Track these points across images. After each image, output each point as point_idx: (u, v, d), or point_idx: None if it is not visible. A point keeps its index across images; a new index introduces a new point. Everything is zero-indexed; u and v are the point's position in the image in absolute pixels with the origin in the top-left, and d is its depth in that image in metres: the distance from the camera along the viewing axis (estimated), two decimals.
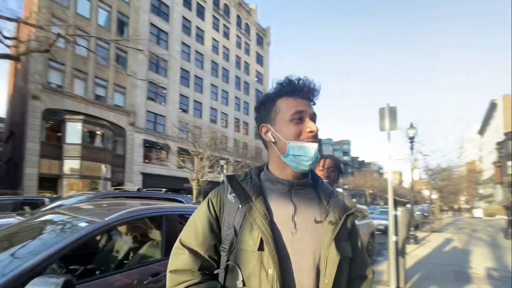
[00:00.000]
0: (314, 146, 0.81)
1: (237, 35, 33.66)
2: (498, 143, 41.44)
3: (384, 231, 11.84)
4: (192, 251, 0.81)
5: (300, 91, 0.84)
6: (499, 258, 7.96)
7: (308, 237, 0.80)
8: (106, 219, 2.25)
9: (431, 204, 18.58)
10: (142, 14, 22.42)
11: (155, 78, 22.24)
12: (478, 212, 34.72)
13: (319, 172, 1.97)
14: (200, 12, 28.78)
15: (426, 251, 8.79)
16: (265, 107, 0.89)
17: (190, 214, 3.17)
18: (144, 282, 2.24)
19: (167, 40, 24.89)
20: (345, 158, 66.32)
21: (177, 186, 22.37)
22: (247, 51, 35.45)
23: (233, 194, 0.83)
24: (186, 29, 27.01)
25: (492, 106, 47.15)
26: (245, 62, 34.92)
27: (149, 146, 22.59)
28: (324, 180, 1.69)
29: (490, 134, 50.22)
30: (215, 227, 0.84)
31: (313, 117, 0.85)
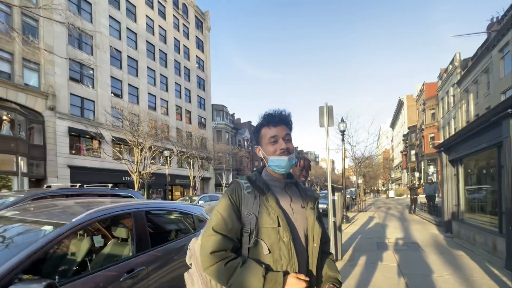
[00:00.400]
0: (284, 158, 1.20)
1: (174, 16, 31.54)
2: (404, 135, 49.17)
3: (323, 214, 13.14)
4: (225, 236, 1.10)
5: (272, 121, 1.23)
6: (405, 229, 9.73)
7: (299, 217, 1.21)
8: (74, 220, 2.18)
9: (357, 188, 21.19)
10: None
11: (78, 55, 19.52)
12: (391, 193, 40.84)
13: (299, 170, 2.47)
14: None
15: (355, 228, 10.20)
16: (255, 135, 1.31)
17: (158, 210, 3.16)
18: (121, 279, 2.29)
19: (91, 11, 21.74)
20: None
21: (114, 180, 20.48)
22: (186, 35, 33.65)
23: (249, 190, 1.18)
24: (114, 1, 24.02)
25: (400, 104, 55.16)
26: (185, 46, 33.14)
27: (76, 135, 19.84)
28: (302, 178, 2.10)
29: (399, 127, 58.93)
30: (238, 215, 1.14)
31: (285, 137, 1.23)
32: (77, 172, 19.24)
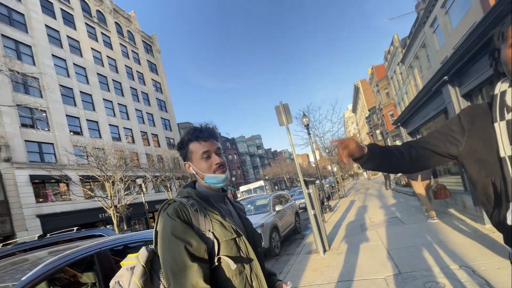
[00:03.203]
0: (222, 176, 1.19)
1: (121, 44, 30.95)
2: (366, 118, 51.73)
3: (306, 208, 13.41)
4: (201, 260, 0.99)
5: (202, 136, 1.19)
6: (384, 206, 10.22)
7: (240, 227, 1.20)
8: (24, 278, 1.85)
9: (334, 176, 21.83)
10: None
11: (26, 100, 18.48)
12: (365, 174, 42.61)
13: None
14: (68, 20, 25.01)
15: (339, 215, 10.49)
16: (182, 150, 1.24)
17: (122, 245, 2.94)
18: None
19: (32, 54, 20.80)
20: (259, 151, 69.82)
21: (91, 219, 19.57)
22: (137, 60, 33.08)
23: (195, 207, 1.07)
24: (55, 40, 23.10)
25: (356, 89, 58.01)
26: (138, 71, 32.51)
27: (40, 182, 18.68)
28: None
29: (360, 111, 61.83)
30: (197, 235, 1.03)
31: (217, 151, 1.21)
32: (48, 220, 18.02)
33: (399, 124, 9.19)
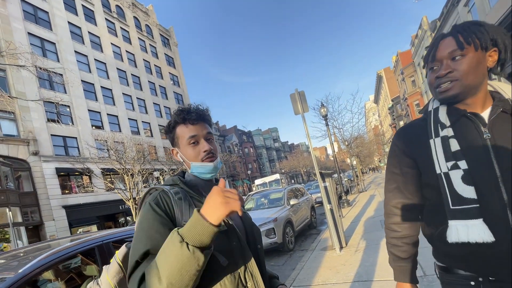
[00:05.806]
0: (209, 165, 1.04)
1: (139, 38, 31.43)
2: (389, 108, 49.74)
3: (322, 202, 13.10)
4: None
5: (189, 119, 1.04)
6: None
7: (236, 221, 1.05)
8: (21, 270, 1.82)
9: (353, 169, 21.16)
10: (14, 23, 18.69)
11: (52, 96, 19.23)
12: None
13: None
14: (90, 16, 25.60)
15: (357, 210, 10.15)
16: (169, 134, 1.10)
17: (128, 237, 2.75)
18: None
19: (56, 51, 21.51)
20: (276, 144, 69.29)
21: (112, 211, 20.36)
22: (155, 54, 33.54)
23: (179, 196, 0.94)
24: (77, 36, 23.77)
25: (379, 78, 55.81)
26: (156, 65, 33.01)
27: (65, 175, 19.60)
28: None
29: (383, 101, 59.56)
30: (171, 229, 0.85)
31: (207, 136, 1.06)
32: (72, 211, 18.93)
33: None
